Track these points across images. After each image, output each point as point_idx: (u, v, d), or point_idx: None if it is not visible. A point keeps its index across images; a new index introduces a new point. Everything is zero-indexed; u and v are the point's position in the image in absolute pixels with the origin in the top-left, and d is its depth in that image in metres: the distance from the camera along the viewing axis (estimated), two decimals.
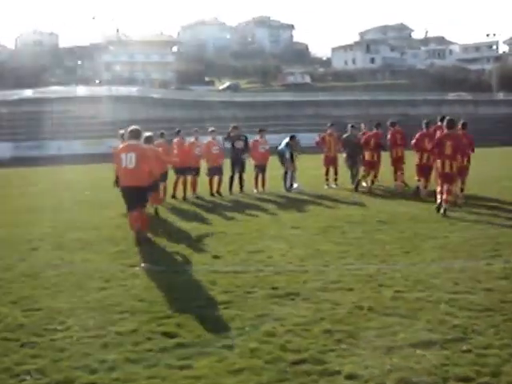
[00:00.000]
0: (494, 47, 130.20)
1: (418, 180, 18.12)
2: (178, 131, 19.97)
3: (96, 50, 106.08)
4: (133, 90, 68.76)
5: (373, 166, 20.36)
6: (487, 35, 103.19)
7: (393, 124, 20.78)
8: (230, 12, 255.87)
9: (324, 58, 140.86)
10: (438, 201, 14.53)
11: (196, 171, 19.53)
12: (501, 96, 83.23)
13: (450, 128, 14.85)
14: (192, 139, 20.05)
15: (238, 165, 20.44)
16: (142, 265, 9.75)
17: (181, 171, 19.16)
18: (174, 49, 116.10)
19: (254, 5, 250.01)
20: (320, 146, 21.98)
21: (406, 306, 7.20)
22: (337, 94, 75.67)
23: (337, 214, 14.95)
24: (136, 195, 11.81)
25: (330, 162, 21.76)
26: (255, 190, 20.57)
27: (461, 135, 15.79)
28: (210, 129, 20.67)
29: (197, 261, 9.98)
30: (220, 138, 21.20)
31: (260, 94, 76.72)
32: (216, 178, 20.13)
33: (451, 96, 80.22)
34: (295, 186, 20.63)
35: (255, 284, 8.36)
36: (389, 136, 20.58)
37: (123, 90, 67.87)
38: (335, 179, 21.80)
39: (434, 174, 16.81)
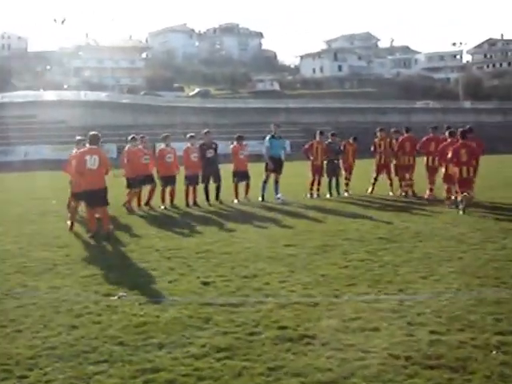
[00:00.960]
0: (458, 56, 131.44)
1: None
2: (133, 138, 18.57)
3: (65, 55, 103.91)
4: (102, 95, 66.97)
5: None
6: (453, 44, 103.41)
7: (407, 130, 20.65)
8: (199, 19, 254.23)
9: (292, 66, 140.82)
10: (459, 199, 15.81)
11: (148, 180, 18.27)
12: (468, 104, 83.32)
13: (463, 138, 16.39)
14: (140, 146, 18.63)
15: (212, 174, 19.11)
16: (120, 294, 8.28)
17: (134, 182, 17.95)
18: (143, 55, 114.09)
19: (223, 12, 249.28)
20: (307, 153, 20.69)
21: (450, 353, 5.86)
22: (307, 102, 74.96)
23: (330, 229, 13.62)
24: (103, 196, 13.29)
25: (317, 170, 20.50)
26: (236, 200, 19.29)
27: (471, 142, 16.83)
28: (189, 134, 19.35)
29: (184, 289, 8.55)
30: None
31: (231, 101, 75.61)
32: (193, 188, 18.85)
33: (420, 104, 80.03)
34: (279, 195, 19.27)
35: (258, 322, 6.95)
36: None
37: (92, 95, 65.99)
38: (318, 189, 20.56)
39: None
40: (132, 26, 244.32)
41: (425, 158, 19.44)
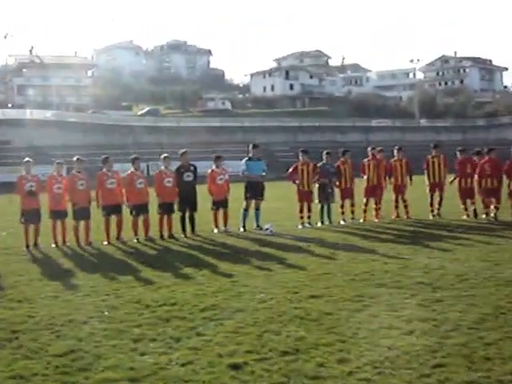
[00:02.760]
0: (411, 74, 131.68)
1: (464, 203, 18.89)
2: (59, 163, 16.45)
3: (7, 73, 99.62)
4: (48, 114, 63.56)
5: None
6: (411, 61, 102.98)
7: (462, 151, 19.37)
8: (145, 35, 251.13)
9: (241, 85, 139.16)
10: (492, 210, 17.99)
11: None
12: (425, 123, 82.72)
13: (488, 154, 18.62)
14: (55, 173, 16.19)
15: (189, 202, 16.59)
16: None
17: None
18: (90, 73, 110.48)
19: (170, 29, 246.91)
20: (292, 178, 18.29)
21: None
22: (263, 120, 72.74)
23: (352, 270, 11.21)
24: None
25: (305, 196, 18.11)
26: (216, 230, 16.93)
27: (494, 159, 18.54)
28: (163, 155, 16.82)
29: (208, 381, 6.00)
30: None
31: (184, 120, 72.84)
32: (168, 218, 16.39)
33: (377, 123, 78.91)
34: (267, 226, 16.79)
35: None
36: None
37: (38, 114, 62.49)
38: (308, 216, 18.15)
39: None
40: (77, 42, 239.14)
41: (457, 180, 19.22)
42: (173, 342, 7.15)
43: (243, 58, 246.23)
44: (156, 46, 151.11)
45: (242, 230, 17.26)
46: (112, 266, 12.41)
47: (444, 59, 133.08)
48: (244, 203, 17.51)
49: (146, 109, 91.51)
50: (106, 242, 15.52)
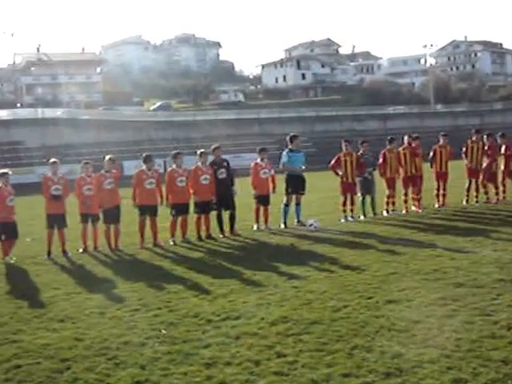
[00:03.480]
0: (422, 60, 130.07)
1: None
2: (86, 162, 15.19)
3: (15, 72, 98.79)
4: (60, 112, 62.59)
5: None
6: (424, 46, 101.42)
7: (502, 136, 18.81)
8: (153, 30, 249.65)
9: (251, 76, 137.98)
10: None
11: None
12: (443, 108, 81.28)
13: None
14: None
15: (224, 200, 15.58)
16: None
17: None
18: (99, 69, 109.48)
19: (178, 22, 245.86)
20: (335, 169, 17.24)
21: None
22: (280, 111, 71.53)
23: (417, 269, 10.21)
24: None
25: (349, 188, 17.05)
26: (255, 226, 15.96)
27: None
28: (200, 150, 15.77)
29: None
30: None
31: (200, 113, 71.76)
32: (206, 217, 15.38)
33: (392, 110, 77.53)
34: (311, 221, 15.76)
35: None
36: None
37: (50, 112, 61.58)
38: (351, 210, 17.11)
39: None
40: (84, 39, 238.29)
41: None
42: (252, 366, 6.19)
43: (252, 50, 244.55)
44: (164, 40, 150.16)
45: (282, 226, 16.27)
46: (155, 273, 11.39)
47: (455, 44, 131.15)
48: (284, 198, 16.50)
49: (158, 104, 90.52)
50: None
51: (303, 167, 16.71)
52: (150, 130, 60.42)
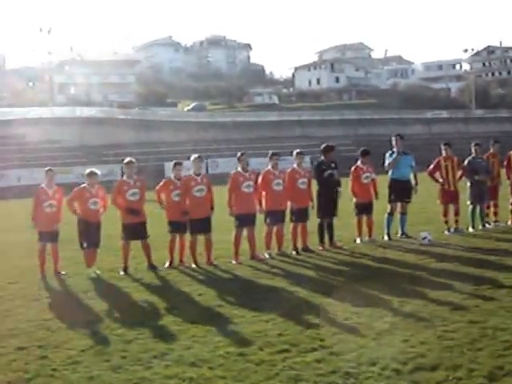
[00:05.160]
0: (458, 65, 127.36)
1: None
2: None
3: (48, 71, 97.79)
4: (99, 111, 61.12)
5: None
6: (465, 51, 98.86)
7: None
8: (184, 31, 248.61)
9: (281, 79, 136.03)
10: None
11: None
12: (482, 113, 78.71)
13: None
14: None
15: (333, 207, 13.63)
16: None
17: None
18: (133, 69, 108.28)
19: (208, 24, 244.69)
20: (433, 175, 15.28)
21: None
22: (323, 114, 69.57)
23: None
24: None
25: (450, 197, 15.06)
26: (358, 240, 13.94)
27: None
28: (296, 151, 13.92)
29: None
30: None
31: (240, 114, 69.99)
32: (303, 226, 13.49)
33: (432, 115, 75.10)
34: (425, 234, 13.78)
35: None
36: None
37: (88, 111, 60.11)
38: (456, 221, 15.08)
39: None
40: (114, 40, 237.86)
41: None
42: None
43: (282, 52, 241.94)
44: (195, 42, 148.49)
45: (386, 238, 14.39)
46: (273, 296, 9.52)
47: (490, 49, 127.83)
48: (388, 206, 14.64)
49: (192, 105, 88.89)
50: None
51: (411, 172, 14.81)
52: (190, 130, 58.70)
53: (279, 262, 12.32)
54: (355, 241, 14.20)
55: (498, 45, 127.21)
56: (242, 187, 12.64)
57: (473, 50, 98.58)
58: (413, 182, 14.77)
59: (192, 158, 12.72)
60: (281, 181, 13.14)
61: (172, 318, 8.41)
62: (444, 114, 75.28)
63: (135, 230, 12.05)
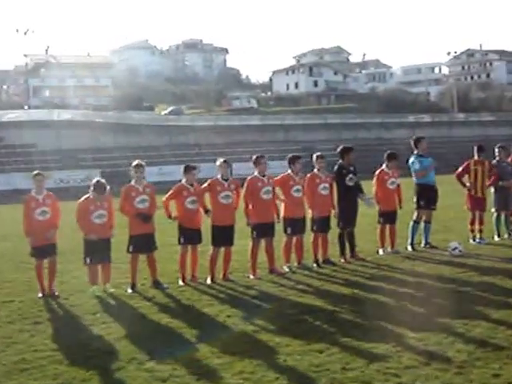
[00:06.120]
0: (436, 69, 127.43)
1: None
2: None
3: (22, 74, 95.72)
4: (77, 114, 59.42)
5: None
6: (448, 53, 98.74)
7: None
8: (160, 35, 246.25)
9: (257, 83, 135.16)
10: None
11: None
12: (464, 117, 78.25)
13: None
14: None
15: (352, 215, 12.55)
16: None
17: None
18: (109, 72, 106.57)
19: (185, 27, 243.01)
20: (461, 179, 14.23)
21: None
22: (306, 118, 68.52)
23: None
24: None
25: (477, 204, 14.03)
26: (381, 251, 12.83)
27: None
28: (316, 154, 12.67)
29: None
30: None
31: (222, 118, 68.67)
32: (323, 237, 12.36)
33: (414, 119, 74.48)
34: (454, 244, 12.70)
35: None
36: None
37: (66, 114, 58.40)
38: (480, 230, 14.06)
39: None
40: (90, 42, 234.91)
41: None
42: None
43: (259, 56, 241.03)
44: (171, 45, 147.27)
45: (409, 249, 13.32)
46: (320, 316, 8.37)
47: (469, 53, 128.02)
48: (415, 213, 13.56)
49: (170, 109, 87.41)
50: (251, 276, 11.42)
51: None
52: (170, 134, 57.28)
53: (303, 277, 11.16)
54: (377, 252, 13.11)
55: (478, 48, 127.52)
56: (260, 194, 11.45)
57: (456, 52, 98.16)
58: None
59: (218, 163, 11.45)
60: (300, 187, 11.98)
61: (207, 348, 7.20)
62: (426, 117, 74.59)
63: (144, 242, 10.78)
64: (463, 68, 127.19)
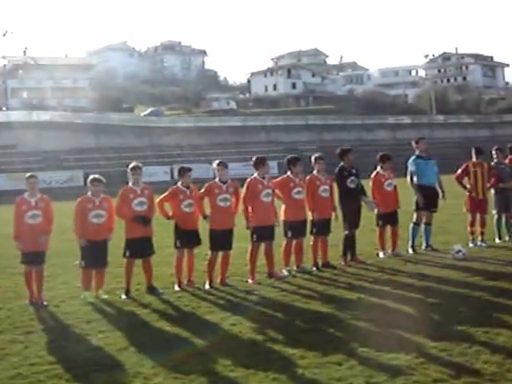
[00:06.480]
0: (414, 72, 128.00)
1: None
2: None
3: (1, 75, 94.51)
4: (56, 115, 58.62)
5: None
6: (426, 56, 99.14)
7: None
8: (139, 36, 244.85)
9: (235, 85, 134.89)
10: None
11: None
12: (444, 119, 78.54)
13: None
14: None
15: (355, 217, 12.16)
16: None
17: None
18: (87, 74, 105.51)
19: (163, 29, 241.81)
20: (461, 181, 13.92)
21: None
22: (287, 119, 68.28)
23: None
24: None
25: (478, 207, 13.71)
26: (381, 254, 12.45)
27: None
28: (316, 155, 12.24)
29: None
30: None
31: (204, 119, 68.23)
32: (323, 241, 11.98)
33: (395, 120, 74.59)
34: (457, 247, 12.36)
35: None
36: None
37: (46, 115, 57.61)
38: (481, 232, 13.73)
39: None
40: (68, 44, 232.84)
41: None
42: None
43: (236, 58, 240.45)
44: (150, 47, 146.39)
45: (410, 251, 12.97)
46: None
47: (446, 56, 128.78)
48: (414, 215, 13.24)
49: (149, 110, 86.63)
50: (250, 280, 10.96)
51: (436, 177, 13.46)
52: (151, 135, 56.72)
53: (304, 281, 10.75)
54: (377, 255, 12.75)
55: (454, 51, 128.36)
56: (260, 196, 11.01)
57: (433, 55, 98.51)
58: (439, 190, 13.43)
59: (214, 165, 10.98)
60: (301, 189, 11.57)
61: (218, 360, 6.74)
62: (406, 119, 74.77)
63: (141, 246, 10.30)
64: (439, 71, 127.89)
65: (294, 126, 64.55)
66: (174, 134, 57.36)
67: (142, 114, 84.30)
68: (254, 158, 11.37)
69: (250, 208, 10.97)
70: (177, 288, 10.52)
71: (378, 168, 13.06)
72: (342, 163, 12.37)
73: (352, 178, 12.11)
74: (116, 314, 9.19)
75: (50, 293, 10.47)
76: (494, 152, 14.38)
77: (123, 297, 10.11)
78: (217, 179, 10.91)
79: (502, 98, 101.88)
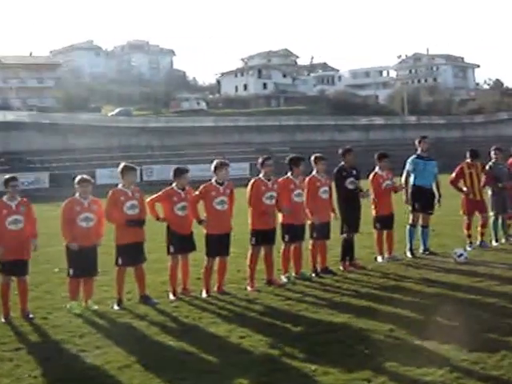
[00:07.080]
0: (385, 72, 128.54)
1: None
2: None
3: None
4: (23, 115, 57.18)
5: None
6: (398, 56, 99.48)
7: None
8: (105, 35, 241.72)
9: (204, 85, 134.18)
10: None
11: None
12: (416, 120, 78.71)
13: None
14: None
15: (357, 219, 11.62)
16: None
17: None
18: (53, 73, 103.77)
19: (130, 28, 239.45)
20: (456, 184, 13.51)
21: None
22: (259, 120, 67.72)
23: None
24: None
25: (475, 207, 13.33)
26: (380, 258, 11.96)
27: None
28: (315, 155, 11.65)
29: None
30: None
31: (174, 120, 67.29)
32: (321, 245, 11.41)
33: (367, 121, 74.53)
34: (459, 251, 11.92)
35: None
36: None
37: (11, 115, 56.18)
38: (482, 233, 13.40)
39: None
40: (32, 43, 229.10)
41: None
42: None
43: (206, 58, 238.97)
44: (116, 46, 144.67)
45: (409, 255, 12.51)
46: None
47: (417, 57, 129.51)
48: (410, 217, 12.80)
49: (117, 110, 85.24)
50: (249, 288, 10.37)
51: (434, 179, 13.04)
52: (121, 136, 55.55)
53: (306, 288, 10.18)
54: (376, 259, 12.25)
55: (425, 52, 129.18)
56: (262, 198, 10.42)
57: (406, 56, 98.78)
58: (436, 192, 13.00)
59: (214, 166, 10.36)
60: (301, 191, 11.00)
61: (234, 379, 6.13)
62: (379, 120, 74.80)
63: (133, 253, 9.61)
64: (410, 72, 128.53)
65: (267, 127, 63.99)
66: (144, 135, 56.42)
67: (109, 114, 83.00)
68: (259, 159, 10.79)
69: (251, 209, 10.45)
70: (172, 297, 9.88)
71: (377, 168, 12.59)
72: (342, 163, 11.87)
73: (351, 178, 11.60)
74: (110, 327, 8.51)
75: (35, 303, 9.72)
76: (492, 152, 14.05)
77: (115, 307, 9.44)
78: (213, 180, 10.28)
79: (472, 99, 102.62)
